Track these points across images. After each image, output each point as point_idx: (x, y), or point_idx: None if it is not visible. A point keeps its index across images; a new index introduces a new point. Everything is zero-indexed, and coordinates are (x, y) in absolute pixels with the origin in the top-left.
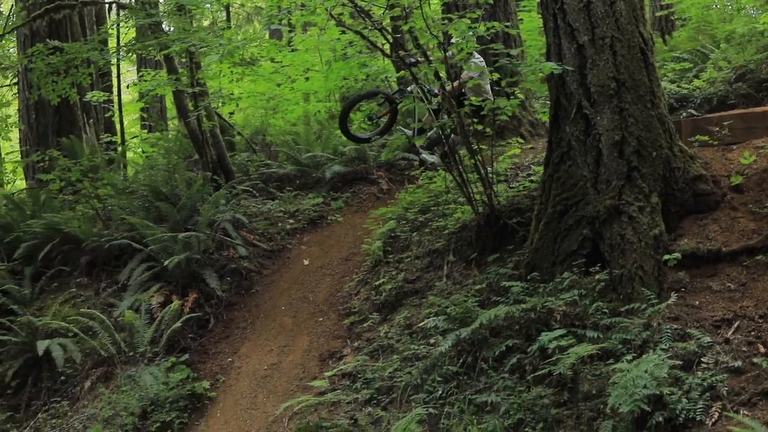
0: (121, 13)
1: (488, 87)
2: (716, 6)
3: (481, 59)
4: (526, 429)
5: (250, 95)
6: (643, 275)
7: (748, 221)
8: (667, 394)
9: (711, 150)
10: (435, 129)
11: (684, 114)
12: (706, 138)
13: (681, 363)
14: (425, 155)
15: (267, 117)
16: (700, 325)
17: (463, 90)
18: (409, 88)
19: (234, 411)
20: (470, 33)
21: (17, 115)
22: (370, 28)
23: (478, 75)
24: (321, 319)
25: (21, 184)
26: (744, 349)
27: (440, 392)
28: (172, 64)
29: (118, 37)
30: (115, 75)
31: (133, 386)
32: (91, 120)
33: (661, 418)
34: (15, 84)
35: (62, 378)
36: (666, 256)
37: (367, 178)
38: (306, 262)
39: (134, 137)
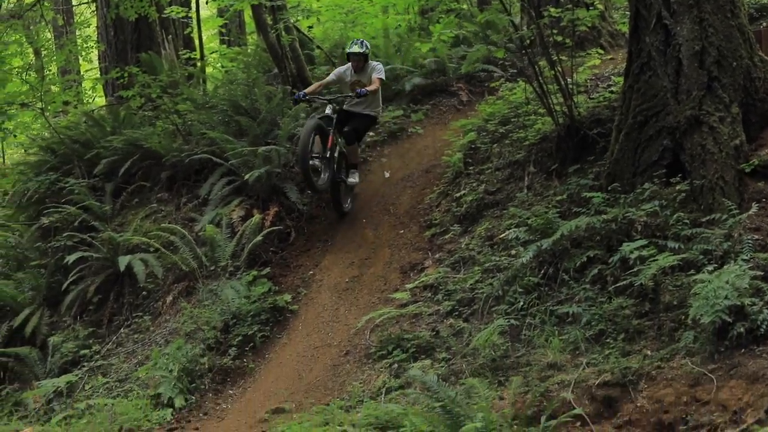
0: None
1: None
2: None
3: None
4: (608, 340)
5: (329, 8)
6: (723, 186)
7: None
8: (748, 304)
9: None
10: (338, 147)
11: (764, 24)
12: None
13: (762, 274)
14: (351, 179)
15: (346, 30)
16: None
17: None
18: (327, 111)
19: (315, 324)
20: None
21: (96, 34)
22: None
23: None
24: (402, 231)
25: (100, 101)
26: None
27: (521, 303)
28: None
29: None
30: None
31: (214, 300)
32: (170, 36)
33: (742, 329)
34: (93, 1)
35: (144, 293)
36: (743, 165)
37: (447, 90)
38: (387, 175)
39: (213, 52)
